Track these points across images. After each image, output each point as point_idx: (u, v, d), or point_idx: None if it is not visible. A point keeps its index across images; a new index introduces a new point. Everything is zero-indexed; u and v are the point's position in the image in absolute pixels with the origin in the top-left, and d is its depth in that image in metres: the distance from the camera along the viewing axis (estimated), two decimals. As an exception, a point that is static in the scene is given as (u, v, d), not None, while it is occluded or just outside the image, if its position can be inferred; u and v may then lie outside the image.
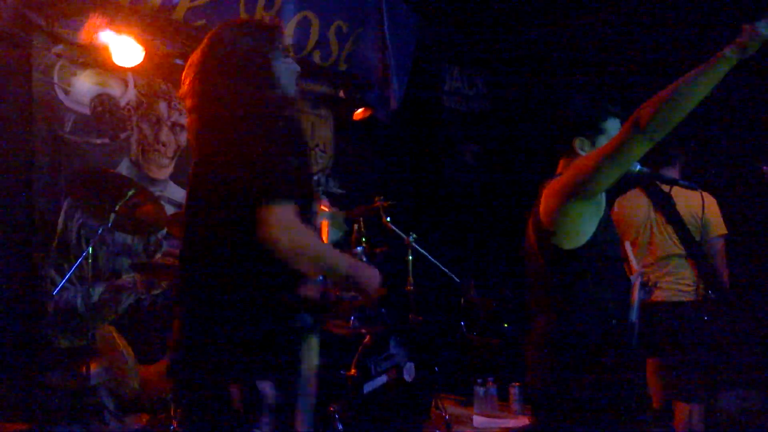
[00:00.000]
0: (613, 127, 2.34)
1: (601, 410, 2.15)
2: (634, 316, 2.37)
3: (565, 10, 6.16)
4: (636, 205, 3.68)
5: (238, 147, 1.83)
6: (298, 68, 2.09)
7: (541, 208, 2.28)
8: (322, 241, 1.92)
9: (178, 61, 4.87)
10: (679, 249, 3.52)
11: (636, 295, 2.43)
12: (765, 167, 3.58)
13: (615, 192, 2.42)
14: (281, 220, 1.73)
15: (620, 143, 1.99)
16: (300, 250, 1.77)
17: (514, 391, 4.51)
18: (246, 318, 1.81)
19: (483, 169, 7.00)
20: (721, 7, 4.97)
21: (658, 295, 3.53)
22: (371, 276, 1.94)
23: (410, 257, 4.54)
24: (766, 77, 4.82)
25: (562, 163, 2.42)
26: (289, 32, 5.13)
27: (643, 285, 2.51)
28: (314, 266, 1.87)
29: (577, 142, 2.32)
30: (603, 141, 2.31)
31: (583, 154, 2.31)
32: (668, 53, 5.43)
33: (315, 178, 5.93)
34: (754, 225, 4.13)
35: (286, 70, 2.03)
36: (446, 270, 4.69)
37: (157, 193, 4.58)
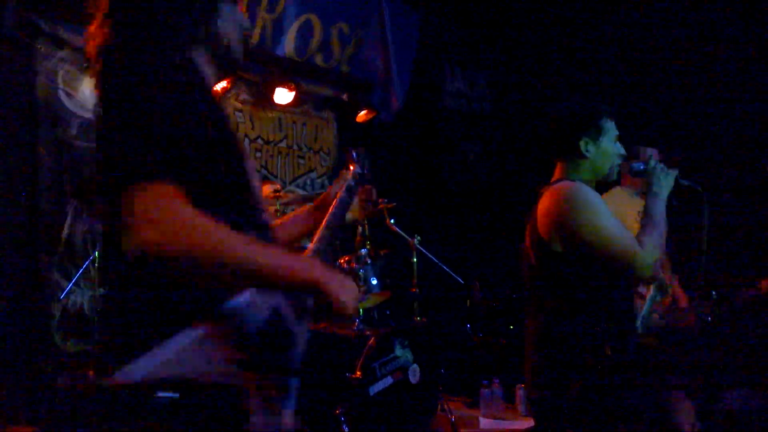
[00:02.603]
0: (611, 126, 2.36)
1: (589, 414, 2.16)
2: (641, 319, 2.37)
3: (566, 11, 6.16)
4: (628, 203, 3.65)
5: (113, 103, 1.30)
6: (247, 23, 1.62)
7: (539, 221, 2.28)
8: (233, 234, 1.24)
9: (182, 65, 4.89)
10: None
11: (648, 297, 2.43)
12: (765, 162, 3.58)
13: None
14: (146, 207, 1.16)
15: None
16: (183, 246, 1.17)
17: (520, 392, 4.51)
18: None
19: (485, 169, 7.00)
20: (717, 9, 4.99)
21: None
22: (340, 283, 1.36)
23: (415, 259, 4.54)
24: (764, 73, 4.83)
25: (561, 164, 2.41)
26: (291, 35, 5.15)
27: (660, 287, 2.51)
28: (218, 270, 1.21)
29: (582, 143, 2.32)
30: (604, 141, 2.33)
31: (587, 155, 2.32)
32: (669, 54, 5.44)
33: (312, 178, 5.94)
34: (755, 221, 4.13)
35: (230, 20, 1.53)
36: (451, 271, 4.69)
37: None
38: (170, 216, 1.17)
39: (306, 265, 1.33)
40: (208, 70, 1.50)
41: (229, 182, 1.36)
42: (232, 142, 1.41)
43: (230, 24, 1.52)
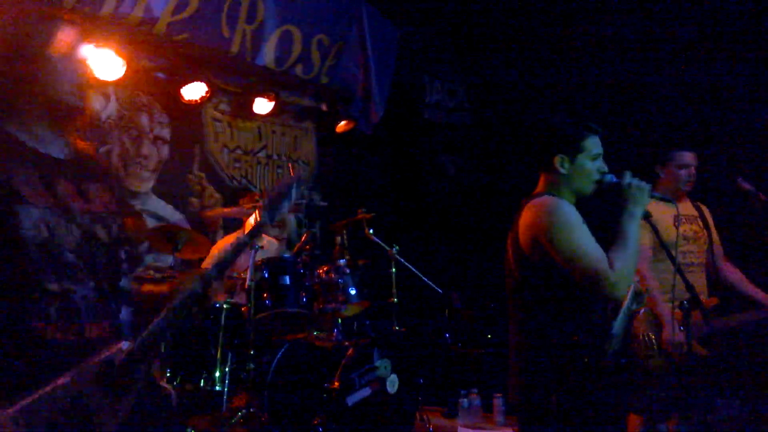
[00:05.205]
0: (593, 144, 2.37)
1: (569, 419, 2.20)
2: (617, 326, 2.39)
3: (546, 25, 6.23)
4: (661, 208, 3.65)
5: None
6: None
7: (521, 234, 2.32)
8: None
9: (160, 75, 4.88)
10: None
11: (624, 304, 2.44)
12: (740, 178, 3.64)
13: (591, 201, 2.44)
14: None
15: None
16: None
17: (497, 402, 4.53)
18: None
19: (464, 180, 7.04)
20: (699, 30, 5.08)
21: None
22: None
23: (393, 269, 4.55)
24: (739, 92, 4.92)
25: (542, 177, 2.45)
26: (271, 46, 5.15)
27: (636, 295, 2.52)
28: None
29: (557, 160, 2.35)
30: (582, 159, 2.34)
31: (563, 171, 2.35)
32: (650, 68, 5.52)
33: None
34: (730, 235, 4.18)
35: None
36: (429, 282, 4.71)
37: (138, 207, 4.56)
38: None
39: None
40: None
41: None
42: None
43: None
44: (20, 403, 1.47)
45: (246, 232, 1.74)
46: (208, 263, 4.48)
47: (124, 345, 1.58)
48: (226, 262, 1.71)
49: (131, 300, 1.66)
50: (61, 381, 1.52)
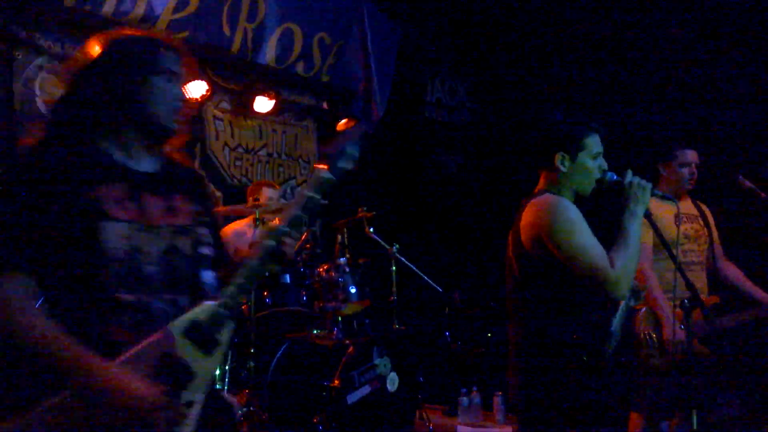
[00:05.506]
0: (593, 142, 2.37)
1: (565, 418, 2.20)
2: (615, 323, 2.40)
3: (546, 24, 6.24)
4: (661, 207, 3.64)
5: None
6: (182, 95, 1.78)
7: (522, 233, 2.31)
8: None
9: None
10: None
11: (622, 301, 2.45)
12: (740, 177, 3.63)
13: (592, 199, 2.44)
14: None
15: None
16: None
17: (498, 400, 4.54)
18: None
19: (465, 179, 7.05)
20: (699, 30, 5.08)
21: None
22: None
23: (393, 268, 4.55)
24: (740, 88, 4.92)
25: (543, 176, 2.45)
26: (272, 44, 5.16)
27: (634, 292, 2.52)
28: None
29: (557, 158, 2.35)
30: (583, 156, 2.34)
31: (563, 169, 2.34)
32: (650, 67, 5.52)
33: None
34: (730, 232, 4.19)
35: (161, 93, 1.72)
36: (429, 280, 4.71)
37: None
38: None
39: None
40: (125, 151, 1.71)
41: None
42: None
43: (160, 98, 1.70)
44: (115, 362, 1.50)
45: (308, 185, 1.74)
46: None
47: (207, 304, 1.61)
48: (296, 218, 1.72)
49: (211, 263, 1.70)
50: (150, 339, 1.53)
